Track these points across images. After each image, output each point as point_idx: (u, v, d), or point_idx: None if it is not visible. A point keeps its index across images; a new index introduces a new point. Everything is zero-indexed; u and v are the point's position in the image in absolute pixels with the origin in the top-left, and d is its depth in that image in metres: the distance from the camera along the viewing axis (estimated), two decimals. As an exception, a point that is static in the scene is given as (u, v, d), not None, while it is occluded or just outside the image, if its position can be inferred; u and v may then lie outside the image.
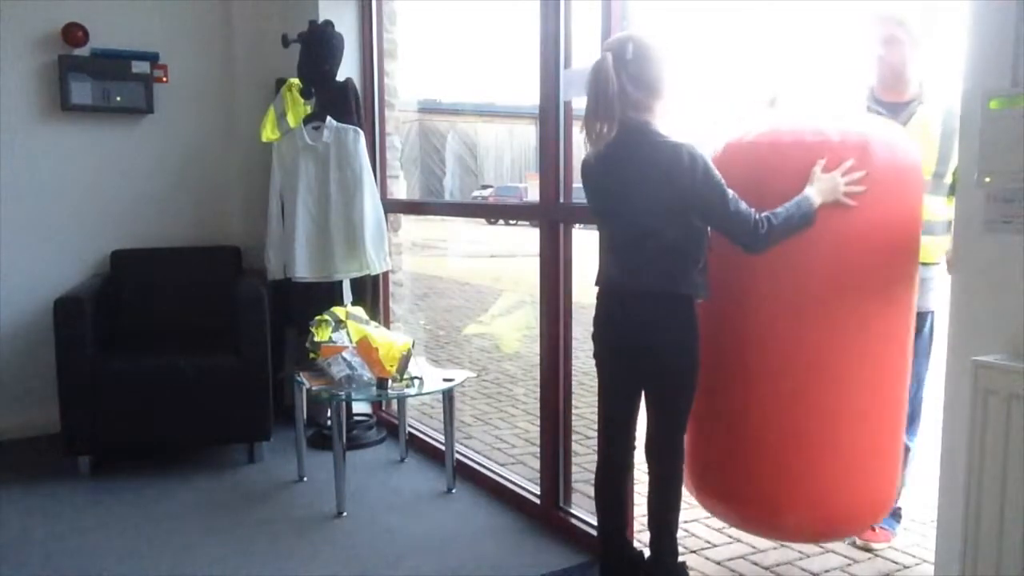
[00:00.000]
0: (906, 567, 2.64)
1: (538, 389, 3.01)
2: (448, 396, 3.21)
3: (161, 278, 4.01)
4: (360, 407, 3.97)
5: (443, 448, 3.38)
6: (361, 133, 3.68)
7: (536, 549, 2.76)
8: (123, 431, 3.42)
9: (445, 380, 3.23)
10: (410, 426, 3.79)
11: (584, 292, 2.47)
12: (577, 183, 2.80)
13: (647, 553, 2.37)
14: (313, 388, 3.12)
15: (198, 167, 4.27)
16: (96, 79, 3.92)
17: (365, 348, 3.14)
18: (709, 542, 2.83)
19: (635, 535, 2.62)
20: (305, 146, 3.68)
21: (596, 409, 2.71)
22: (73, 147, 3.99)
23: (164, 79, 4.09)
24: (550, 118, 2.79)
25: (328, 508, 3.08)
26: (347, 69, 3.86)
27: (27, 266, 3.91)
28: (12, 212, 3.88)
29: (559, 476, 2.93)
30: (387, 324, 4.02)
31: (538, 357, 2.95)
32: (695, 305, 2.18)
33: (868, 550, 2.70)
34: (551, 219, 2.83)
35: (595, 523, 2.56)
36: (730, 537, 2.85)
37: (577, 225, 2.83)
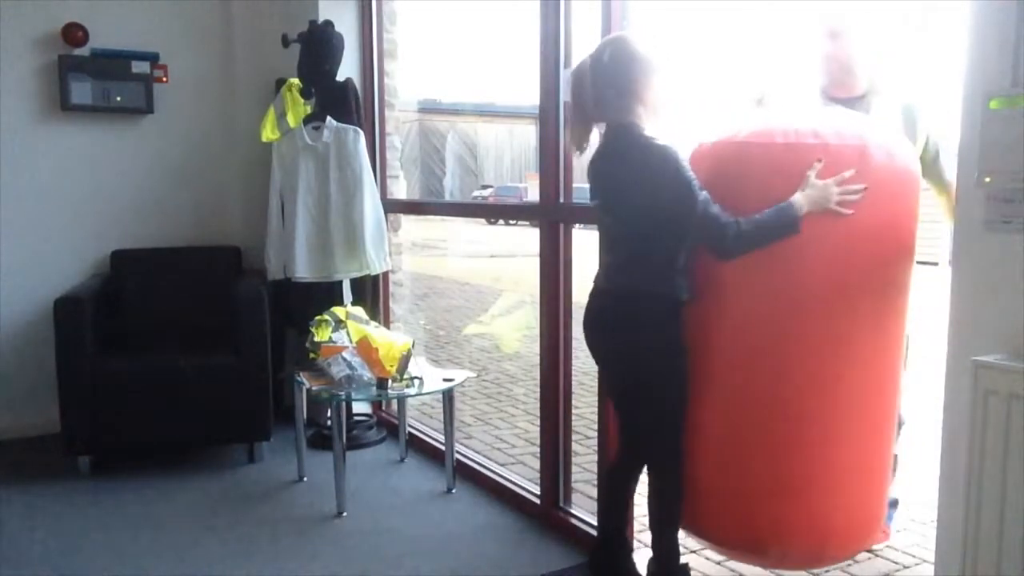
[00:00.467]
0: (906, 567, 2.64)
1: (538, 389, 3.01)
2: (448, 396, 3.21)
3: (161, 278, 4.01)
4: (360, 407, 3.97)
5: (443, 448, 3.38)
6: (361, 133, 3.68)
7: (536, 549, 2.76)
8: (123, 431, 3.42)
9: (445, 380, 3.23)
10: (410, 426, 3.79)
11: (584, 292, 2.47)
12: (577, 183, 2.81)
13: (645, 553, 2.37)
14: (313, 388, 3.12)
15: (198, 167, 4.27)
16: (96, 79, 3.92)
17: (365, 348, 3.14)
18: (709, 542, 2.83)
19: (635, 535, 2.63)
20: (305, 146, 3.68)
21: (596, 409, 2.72)
22: (73, 147, 3.99)
23: (164, 79, 4.09)
24: (550, 118, 2.79)
25: (328, 508, 3.08)
26: (347, 69, 3.86)
27: (27, 266, 3.91)
28: (12, 212, 3.88)
29: (559, 476, 2.93)
30: (387, 324, 4.02)
31: (538, 357, 2.95)
32: (676, 307, 2.15)
33: (868, 550, 2.70)
34: (551, 219, 2.83)
35: (595, 523, 2.56)
36: (730, 537, 2.85)
37: (577, 225, 2.83)
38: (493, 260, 13.21)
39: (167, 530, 2.92)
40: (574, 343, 2.88)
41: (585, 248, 2.71)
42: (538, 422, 3.04)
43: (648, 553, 2.36)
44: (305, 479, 3.39)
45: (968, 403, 1.55)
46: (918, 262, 2.22)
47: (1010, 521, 1.49)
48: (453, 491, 3.27)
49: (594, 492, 2.80)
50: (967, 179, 1.62)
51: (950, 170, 2.35)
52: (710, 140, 2.20)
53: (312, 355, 3.22)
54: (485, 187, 19.80)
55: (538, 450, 3.14)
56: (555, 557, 2.68)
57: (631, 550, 2.47)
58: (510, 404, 5.00)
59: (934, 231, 2.50)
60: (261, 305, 3.49)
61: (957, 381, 1.64)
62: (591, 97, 2.15)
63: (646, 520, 2.32)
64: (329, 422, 3.39)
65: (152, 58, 4.04)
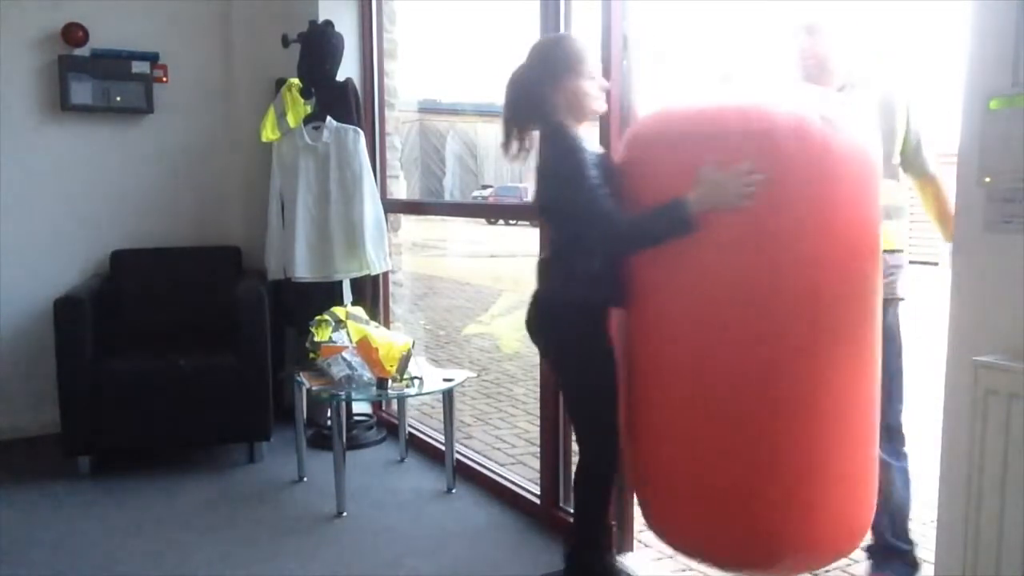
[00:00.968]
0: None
1: (538, 389, 3.01)
2: (448, 396, 3.21)
3: (161, 278, 4.01)
4: (360, 407, 3.97)
5: (443, 448, 3.38)
6: (361, 133, 3.68)
7: (536, 549, 2.75)
8: (123, 431, 3.42)
9: (445, 380, 3.23)
10: (410, 426, 3.79)
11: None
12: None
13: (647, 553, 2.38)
14: (313, 388, 3.12)
15: (198, 167, 4.27)
16: (96, 79, 3.92)
17: (365, 348, 3.14)
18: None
19: (635, 535, 2.63)
20: (305, 146, 3.68)
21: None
22: (73, 147, 3.99)
23: (164, 79, 4.09)
24: (550, 118, 2.78)
25: (328, 508, 3.08)
26: (347, 69, 3.86)
27: (27, 266, 3.91)
28: (12, 212, 3.88)
29: (559, 476, 2.93)
30: (387, 324, 4.02)
31: (538, 357, 2.95)
32: (593, 312, 2.16)
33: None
34: (551, 219, 2.83)
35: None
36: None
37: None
38: (493, 260, 13.21)
39: (167, 530, 2.92)
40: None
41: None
42: (538, 422, 3.04)
43: (650, 552, 2.36)
44: (305, 479, 3.39)
45: (968, 403, 1.55)
46: (919, 262, 2.20)
47: (1010, 521, 1.48)
48: (453, 491, 3.27)
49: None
50: (967, 179, 1.62)
51: (932, 162, 2.34)
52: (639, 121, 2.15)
53: (312, 355, 3.22)
54: (485, 187, 19.81)
55: (538, 450, 3.14)
56: (555, 557, 2.68)
57: (609, 548, 2.48)
58: (510, 404, 5.00)
59: (934, 231, 2.47)
60: (261, 305, 3.49)
61: (957, 381, 1.64)
62: (523, 101, 2.16)
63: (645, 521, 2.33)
64: (329, 422, 3.39)
65: (152, 58, 4.04)
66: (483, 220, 14.67)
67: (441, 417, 3.37)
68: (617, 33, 2.50)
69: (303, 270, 3.69)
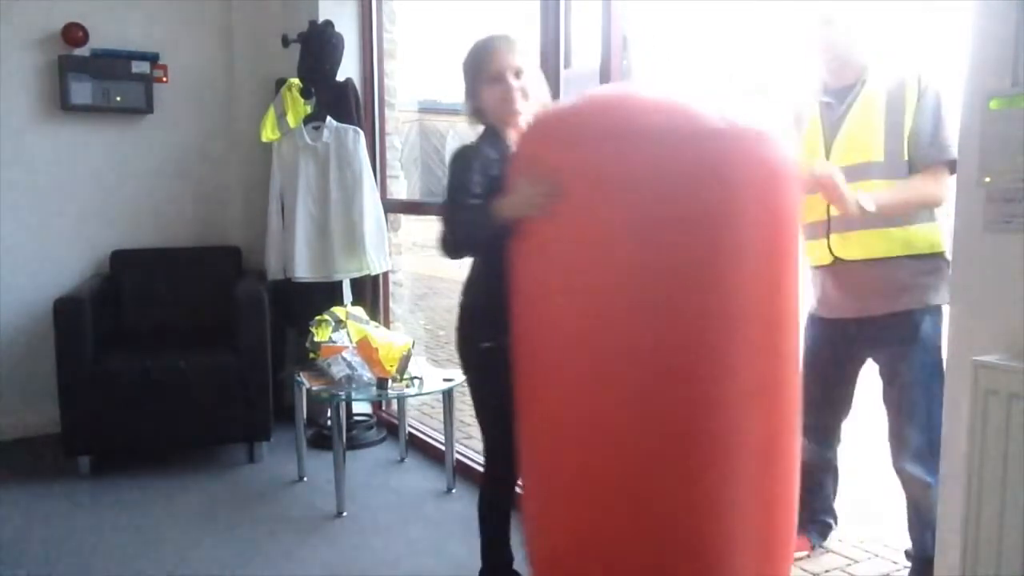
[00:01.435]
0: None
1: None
2: (448, 396, 3.21)
3: (161, 278, 4.01)
4: (360, 407, 3.97)
5: (443, 448, 3.38)
6: (361, 133, 3.68)
7: (536, 549, 2.75)
8: (123, 431, 3.42)
9: (445, 380, 3.23)
10: (410, 426, 3.79)
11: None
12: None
13: None
14: (313, 388, 3.12)
15: (198, 167, 4.27)
16: (96, 79, 3.92)
17: (365, 348, 3.14)
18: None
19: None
20: (305, 146, 3.68)
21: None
22: (73, 147, 3.99)
23: (164, 79, 4.09)
24: (550, 118, 2.78)
25: (328, 508, 3.08)
26: (347, 69, 3.86)
27: (27, 266, 3.91)
28: (12, 212, 3.88)
29: (559, 476, 2.93)
30: (387, 324, 4.02)
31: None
32: (472, 312, 2.19)
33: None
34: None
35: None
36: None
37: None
38: (493, 260, 13.17)
39: (167, 530, 2.92)
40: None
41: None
42: (538, 422, 3.04)
43: None
44: (305, 479, 3.39)
45: (968, 403, 1.55)
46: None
47: (1010, 521, 1.48)
48: (453, 491, 3.27)
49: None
50: (967, 179, 1.62)
51: (935, 161, 2.16)
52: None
53: (312, 355, 3.22)
54: (485, 187, 19.75)
55: (538, 450, 3.13)
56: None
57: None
58: (510, 404, 4.99)
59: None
60: (261, 305, 3.49)
61: (957, 381, 1.64)
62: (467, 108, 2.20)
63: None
64: (329, 422, 3.39)
65: (152, 58, 4.04)
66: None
67: (441, 417, 3.37)
68: (617, 33, 2.50)
69: (303, 270, 3.69)
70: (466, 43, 2.17)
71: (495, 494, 2.28)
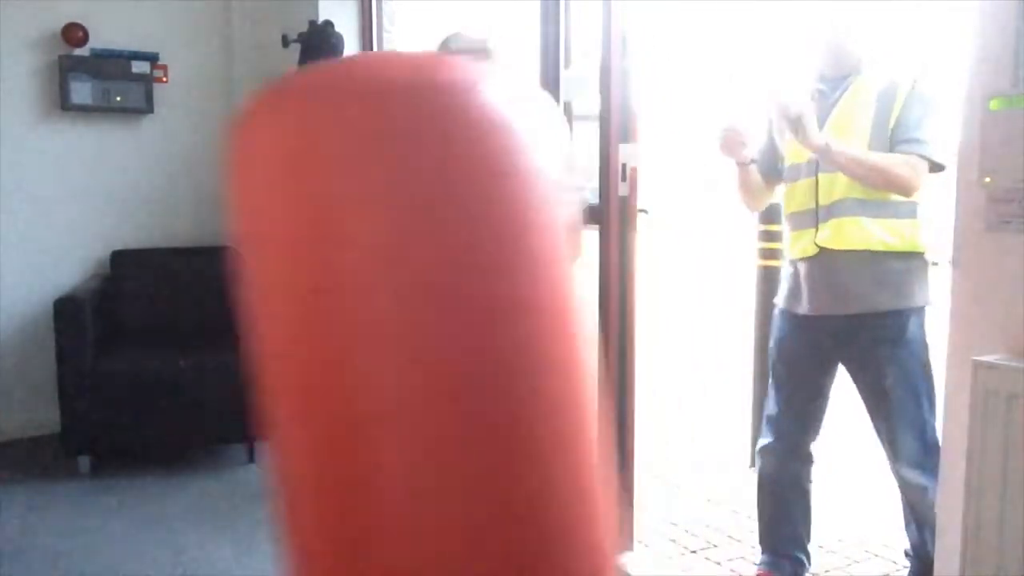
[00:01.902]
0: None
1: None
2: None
3: (161, 278, 4.00)
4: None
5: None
6: (361, 133, 3.67)
7: (536, 549, 2.75)
8: (123, 431, 3.42)
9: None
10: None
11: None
12: (575, 183, 2.80)
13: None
14: (313, 388, 3.12)
15: (198, 167, 4.26)
16: (96, 79, 3.92)
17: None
18: (709, 542, 2.83)
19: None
20: (305, 146, 3.67)
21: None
22: (73, 147, 3.99)
23: (164, 79, 4.09)
24: (550, 118, 2.78)
25: (328, 508, 3.08)
26: (347, 69, 3.86)
27: (27, 266, 3.91)
28: (12, 212, 3.87)
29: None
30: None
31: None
32: None
33: None
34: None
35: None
36: (731, 537, 2.85)
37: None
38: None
39: (167, 530, 2.92)
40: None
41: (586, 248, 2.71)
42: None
43: (650, 552, 2.36)
44: (305, 479, 3.39)
45: (968, 403, 1.55)
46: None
47: (1010, 521, 1.48)
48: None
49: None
50: (967, 179, 1.62)
51: (921, 145, 2.11)
52: None
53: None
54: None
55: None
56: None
57: None
58: (510, 404, 5.00)
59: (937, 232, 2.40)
60: (261, 305, 3.48)
61: (957, 381, 1.64)
62: None
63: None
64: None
65: (152, 58, 4.04)
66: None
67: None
68: (617, 33, 2.50)
69: (303, 270, 3.68)
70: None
71: None
